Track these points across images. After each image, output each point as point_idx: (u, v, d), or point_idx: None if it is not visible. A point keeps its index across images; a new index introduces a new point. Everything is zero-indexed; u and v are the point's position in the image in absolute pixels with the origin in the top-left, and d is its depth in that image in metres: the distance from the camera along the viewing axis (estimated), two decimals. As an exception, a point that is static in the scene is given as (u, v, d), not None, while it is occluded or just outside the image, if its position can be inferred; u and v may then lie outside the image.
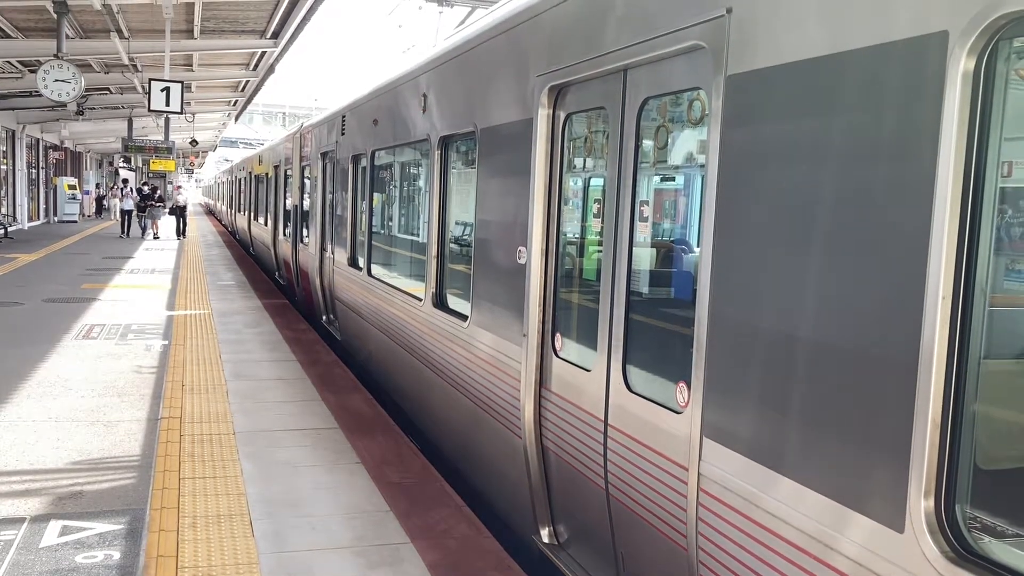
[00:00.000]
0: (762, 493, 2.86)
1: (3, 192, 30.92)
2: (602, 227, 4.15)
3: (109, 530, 4.95)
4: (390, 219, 9.33)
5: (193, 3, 16.15)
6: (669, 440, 3.51)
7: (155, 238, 28.75)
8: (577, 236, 4.76)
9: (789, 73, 2.77)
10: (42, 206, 36.80)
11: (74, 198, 37.37)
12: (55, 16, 15.05)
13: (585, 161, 4.75)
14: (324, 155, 12.02)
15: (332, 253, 11.18)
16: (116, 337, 10.91)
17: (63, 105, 21.40)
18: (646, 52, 3.60)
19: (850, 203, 2.54)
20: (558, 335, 4.64)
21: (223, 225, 41.71)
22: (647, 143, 4.00)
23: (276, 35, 19.10)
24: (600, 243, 4.18)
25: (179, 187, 35.90)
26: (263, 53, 21.44)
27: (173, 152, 29.07)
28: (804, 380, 2.72)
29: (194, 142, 37.78)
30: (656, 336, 3.96)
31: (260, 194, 21.81)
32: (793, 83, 2.76)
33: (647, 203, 4.01)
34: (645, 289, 4.05)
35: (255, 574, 4.45)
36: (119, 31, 17.86)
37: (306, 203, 14.01)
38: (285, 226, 16.18)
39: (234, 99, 31.93)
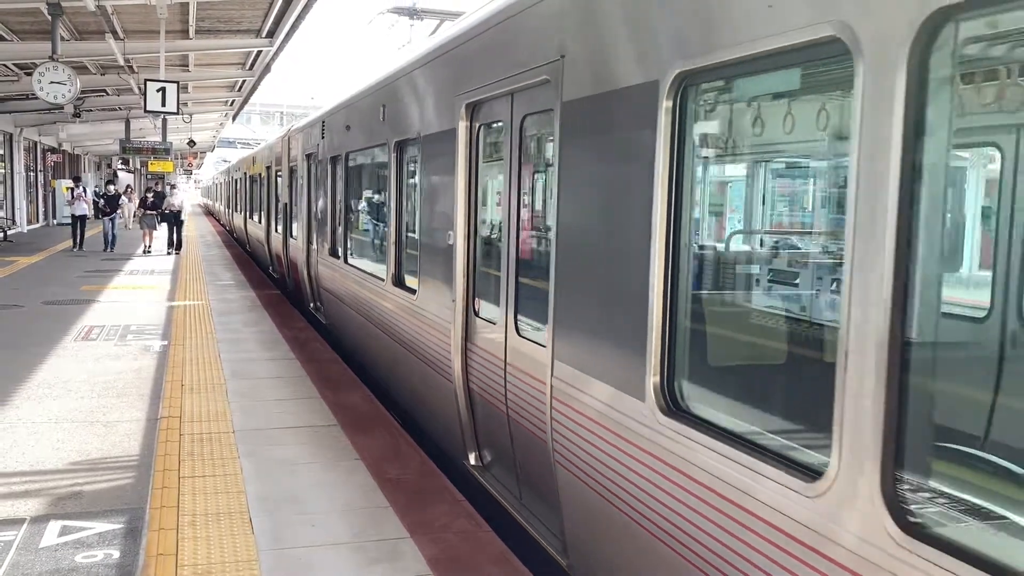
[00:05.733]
0: (578, 390, 4.12)
1: (2, 195, 30.94)
2: (500, 214, 5.31)
3: (109, 529, 4.96)
4: (360, 212, 10.68)
5: (188, 3, 16.14)
6: (538, 367, 4.66)
7: (146, 252, 23.54)
8: (487, 222, 5.90)
9: (593, 101, 4.00)
10: (40, 209, 36.83)
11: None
12: (49, 18, 15.05)
13: (492, 162, 5.85)
14: (308, 156, 12.97)
15: (316, 246, 12.26)
16: (115, 338, 10.93)
17: (60, 107, 21.41)
18: (521, 82, 4.83)
19: (613, 199, 3.84)
20: (477, 299, 5.79)
21: (221, 225, 41.72)
22: (527, 148, 5.19)
23: (271, 34, 19.09)
24: (501, 226, 5.34)
25: (173, 186, 28.40)
26: (259, 52, 21.44)
27: (171, 153, 29.00)
28: (596, 315, 3.99)
29: (192, 143, 37.67)
30: (532, 293, 5.04)
31: (254, 193, 22.43)
32: (594, 109, 3.96)
33: (528, 194, 5.19)
34: (527, 259, 5.20)
35: (255, 571, 4.46)
36: (114, 32, 17.85)
37: (295, 201, 14.75)
38: (277, 223, 17.09)
39: (231, 99, 31.93)
